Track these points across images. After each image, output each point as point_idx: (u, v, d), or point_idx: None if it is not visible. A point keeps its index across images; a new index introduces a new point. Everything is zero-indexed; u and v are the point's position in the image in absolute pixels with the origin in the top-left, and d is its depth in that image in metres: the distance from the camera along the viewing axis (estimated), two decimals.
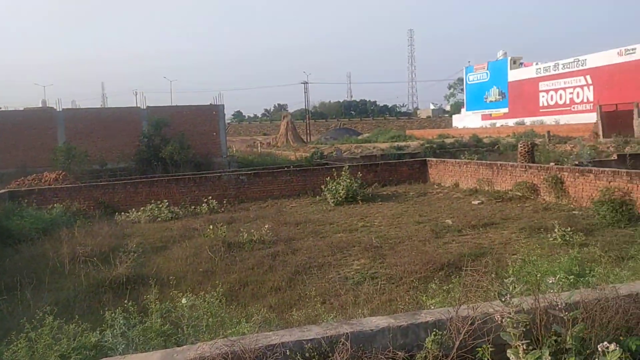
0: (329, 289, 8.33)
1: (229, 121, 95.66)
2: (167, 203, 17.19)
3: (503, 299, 3.43)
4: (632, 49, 46.63)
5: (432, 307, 4.64)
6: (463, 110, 76.54)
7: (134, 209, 16.96)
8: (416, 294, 7.25)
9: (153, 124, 30.33)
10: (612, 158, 21.92)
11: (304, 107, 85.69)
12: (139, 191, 18.65)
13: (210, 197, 17.86)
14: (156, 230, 14.48)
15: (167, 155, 28.53)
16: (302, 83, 79.24)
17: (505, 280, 3.69)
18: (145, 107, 32.75)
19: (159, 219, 16.28)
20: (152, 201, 17.37)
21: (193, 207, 17.57)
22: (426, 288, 7.19)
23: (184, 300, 5.47)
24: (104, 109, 38.56)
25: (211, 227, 12.67)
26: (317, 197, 18.55)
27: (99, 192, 18.40)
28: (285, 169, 22.17)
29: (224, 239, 11.97)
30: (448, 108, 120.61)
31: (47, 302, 7.39)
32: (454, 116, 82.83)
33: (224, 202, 18.21)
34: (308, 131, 73.18)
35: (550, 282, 3.65)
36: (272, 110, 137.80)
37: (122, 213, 16.86)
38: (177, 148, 28.74)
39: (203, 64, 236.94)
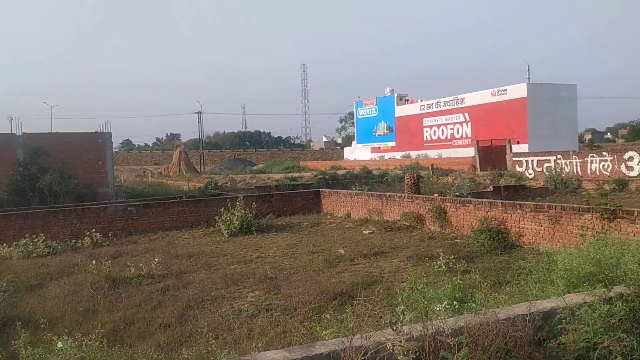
0: (222, 323, 8.08)
1: (116, 150, 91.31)
2: (43, 237, 15.84)
3: (394, 328, 3.51)
4: (504, 90, 51.30)
5: (327, 338, 4.64)
6: (354, 143, 79.31)
7: (5, 244, 15.45)
8: (311, 324, 7.24)
9: (30, 152, 28.03)
10: (489, 190, 23.70)
11: (197, 137, 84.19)
12: (12, 224, 17.05)
13: (93, 230, 16.75)
14: (30, 266, 13.27)
15: (46, 186, 26.42)
16: (196, 113, 78.03)
17: (396, 308, 3.79)
18: (21, 134, 30.28)
19: (34, 255, 14.95)
20: (27, 235, 15.91)
21: (74, 241, 16.35)
22: (320, 318, 7.21)
23: (59, 344, 5.01)
24: None
25: (94, 262, 11.85)
26: (211, 228, 18.10)
27: None
28: (178, 199, 21.44)
29: (108, 275, 11.25)
30: (340, 141, 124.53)
31: None
32: (345, 149, 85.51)
33: (110, 235, 17.18)
34: (202, 161, 71.82)
35: (438, 309, 3.80)
36: (164, 140, 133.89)
37: None
38: (57, 178, 26.74)
39: (89, 89, 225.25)
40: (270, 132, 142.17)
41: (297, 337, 6.56)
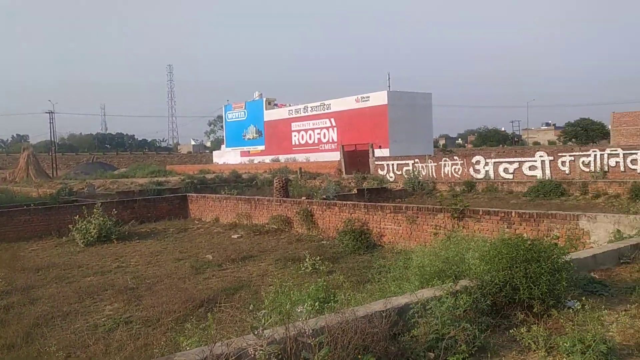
0: (74, 341, 7.46)
1: None
2: None
3: (256, 332, 3.48)
4: (367, 97, 53.82)
5: (188, 348, 4.47)
6: (223, 146, 78.21)
7: None
8: (174, 335, 6.96)
9: None
10: (353, 192, 24.69)
11: (49, 139, 77.34)
12: None
13: None
14: None
15: None
16: (47, 112, 71.56)
17: (257, 312, 3.76)
18: None
19: None
20: None
21: None
22: (184, 328, 6.96)
23: None
24: None
25: None
26: (64, 238, 16.74)
27: None
28: (25, 207, 19.48)
29: None
30: (209, 144, 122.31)
31: None
32: (214, 152, 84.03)
33: None
34: (54, 165, 66.10)
35: (299, 310, 3.84)
36: (9, 142, 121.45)
37: None
38: None
39: None
40: (134, 135, 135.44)
41: (159, 349, 6.26)
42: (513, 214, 11.83)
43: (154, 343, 6.93)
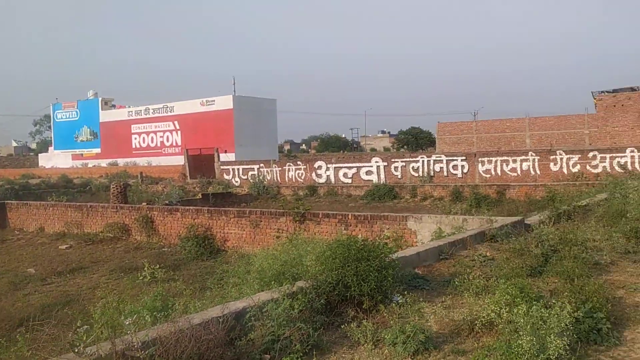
0: None
1: None
2: None
3: (76, 350, 3.20)
4: (212, 101, 53.06)
5: None
6: (51, 149, 71.44)
7: None
8: None
9: None
10: (198, 197, 24.15)
11: None
12: None
13: None
14: None
15: None
16: None
17: (79, 329, 3.47)
18: None
19: None
20: None
21: None
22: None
23: None
24: None
25: None
26: None
27: None
28: None
29: None
30: (34, 146, 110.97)
31: None
32: (40, 155, 76.33)
33: None
34: None
35: (127, 323, 3.62)
36: None
37: None
38: None
39: None
40: None
41: None
42: (350, 216, 12.49)
43: None
